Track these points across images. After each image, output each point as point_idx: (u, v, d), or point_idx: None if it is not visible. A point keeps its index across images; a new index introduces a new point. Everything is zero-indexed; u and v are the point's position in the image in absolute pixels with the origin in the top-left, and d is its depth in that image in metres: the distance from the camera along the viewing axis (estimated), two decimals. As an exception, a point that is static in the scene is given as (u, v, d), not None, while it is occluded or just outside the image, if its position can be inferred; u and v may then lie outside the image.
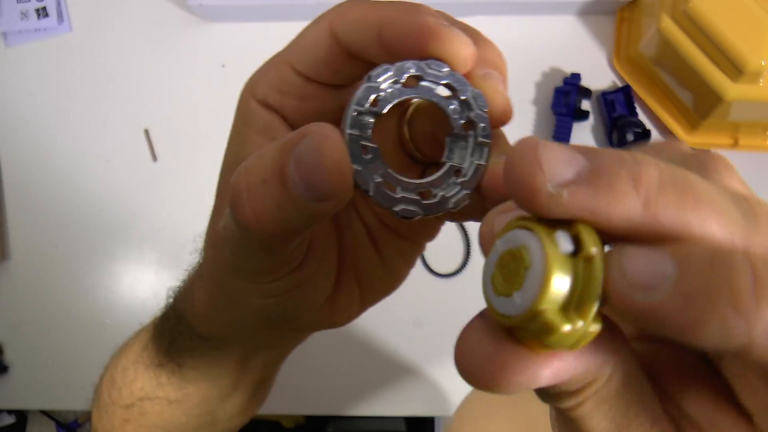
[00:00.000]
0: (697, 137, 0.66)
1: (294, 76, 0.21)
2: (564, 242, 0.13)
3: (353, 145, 0.18)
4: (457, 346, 0.14)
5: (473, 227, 0.69)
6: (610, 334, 0.13)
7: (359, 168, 0.18)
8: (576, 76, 0.66)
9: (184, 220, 0.69)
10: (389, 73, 0.19)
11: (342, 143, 0.16)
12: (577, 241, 0.13)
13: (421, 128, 0.22)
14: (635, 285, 0.12)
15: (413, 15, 0.18)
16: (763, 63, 0.55)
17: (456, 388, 0.67)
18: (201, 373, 0.32)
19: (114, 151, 0.72)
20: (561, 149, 0.13)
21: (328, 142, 0.16)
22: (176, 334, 0.31)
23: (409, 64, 0.19)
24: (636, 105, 0.67)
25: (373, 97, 0.19)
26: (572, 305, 0.12)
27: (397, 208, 0.19)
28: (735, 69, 0.56)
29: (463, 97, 0.19)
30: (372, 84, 0.19)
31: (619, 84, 0.69)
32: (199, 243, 0.24)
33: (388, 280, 0.26)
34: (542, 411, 0.15)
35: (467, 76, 0.19)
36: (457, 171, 0.20)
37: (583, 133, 0.68)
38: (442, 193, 0.20)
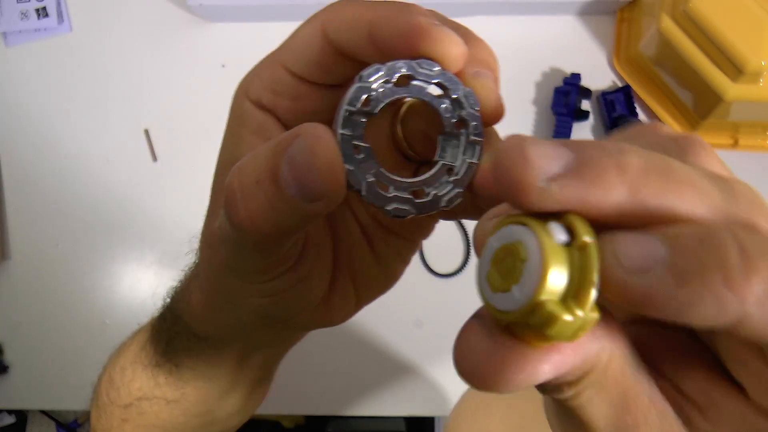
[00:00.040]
0: (697, 137, 0.66)
1: (287, 77, 0.21)
2: (558, 233, 0.13)
3: (345, 145, 0.19)
4: (456, 348, 0.14)
5: (473, 227, 0.69)
6: (604, 320, 0.14)
7: (351, 168, 0.19)
8: (576, 76, 0.66)
9: (184, 220, 0.69)
10: (381, 73, 0.19)
11: (334, 143, 0.16)
12: (570, 231, 0.13)
13: (414, 127, 0.22)
14: (629, 269, 0.12)
15: (404, 15, 0.18)
16: (763, 63, 0.55)
17: (456, 388, 0.67)
18: (198, 372, 0.32)
19: (114, 151, 0.72)
20: (547, 144, 0.13)
21: (320, 142, 0.16)
22: (173, 335, 0.31)
23: (400, 63, 0.19)
24: (636, 105, 0.67)
25: (364, 97, 0.19)
26: (571, 295, 0.12)
27: (389, 207, 0.19)
28: (735, 69, 0.56)
29: (454, 96, 0.19)
30: (363, 84, 0.19)
31: (619, 84, 0.69)
32: (195, 243, 0.24)
33: (384, 279, 0.26)
34: (536, 406, 0.15)
35: (459, 74, 0.19)
36: (449, 169, 0.20)
37: (583, 133, 0.68)
38: (434, 192, 0.20)
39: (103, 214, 0.72)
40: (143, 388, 0.34)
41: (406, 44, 0.18)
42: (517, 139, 0.13)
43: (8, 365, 0.72)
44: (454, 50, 0.18)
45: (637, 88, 0.67)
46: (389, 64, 0.19)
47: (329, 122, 0.19)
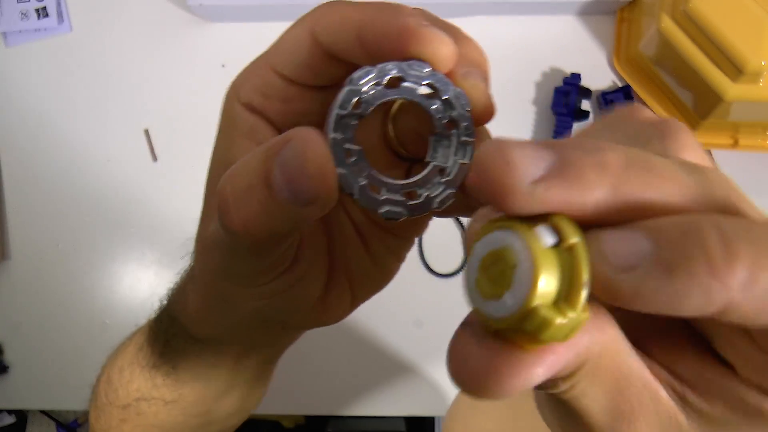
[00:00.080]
0: (697, 137, 0.66)
1: (277, 79, 0.21)
2: (546, 236, 0.13)
3: (337, 149, 0.19)
4: (450, 359, 0.14)
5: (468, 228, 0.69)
6: (592, 310, 0.14)
7: (343, 171, 0.19)
8: (576, 76, 0.66)
9: (184, 220, 0.69)
10: (371, 75, 0.19)
11: (325, 148, 0.16)
12: (556, 233, 0.13)
13: (406, 126, 0.22)
14: (617, 267, 0.12)
15: (393, 16, 0.18)
16: (763, 63, 0.55)
17: (455, 388, 0.67)
18: (196, 373, 0.32)
19: (114, 151, 0.72)
20: (528, 147, 0.13)
21: (311, 147, 0.16)
22: (170, 337, 0.31)
23: (390, 65, 0.19)
24: (636, 105, 0.67)
25: (355, 99, 0.19)
26: (562, 297, 0.12)
27: (382, 210, 0.19)
28: (735, 69, 0.56)
29: (445, 97, 0.19)
30: (354, 87, 0.19)
31: (619, 84, 0.69)
32: (190, 246, 0.24)
33: (379, 277, 0.26)
34: (529, 401, 0.15)
35: (449, 75, 0.19)
36: (441, 170, 0.20)
37: (583, 133, 0.68)
38: (426, 193, 0.20)
39: (103, 214, 0.72)
40: (141, 389, 0.34)
41: (395, 46, 0.18)
42: (497, 143, 0.13)
43: (8, 365, 0.72)
44: (443, 51, 0.18)
45: (637, 88, 0.67)
46: (379, 66, 0.19)
47: (321, 123, 0.19)
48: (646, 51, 0.65)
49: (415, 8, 0.21)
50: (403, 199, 0.19)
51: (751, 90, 0.57)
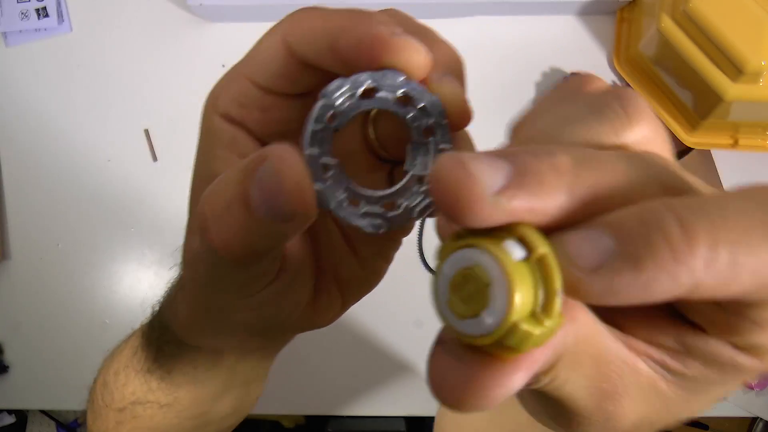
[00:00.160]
0: (697, 137, 0.66)
1: (253, 89, 0.21)
2: (514, 250, 0.13)
3: (313, 165, 0.18)
4: (430, 379, 0.14)
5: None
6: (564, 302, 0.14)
7: (321, 187, 0.18)
8: (576, 76, 0.66)
9: (184, 220, 0.69)
10: (345, 88, 0.19)
11: (302, 164, 0.16)
12: (523, 244, 0.13)
13: (386, 129, 0.22)
14: (585, 269, 0.12)
15: (364, 25, 0.18)
16: (763, 63, 0.55)
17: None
18: (190, 378, 0.32)
19: (114, 151, 0.73)
20: (485, 158, 0.13)
21: (287, 164, 0.16)
22: (163, 343, 0.31)
23: (363, 76, 0.19)
24: (636, 105, 0.67)
25: (330, 113, 0.19)
26: (538, 308, 0.13)
27: (362, 224, 0.19)
28: (735, 69, 0.56)
29: (420, 105, 0.19)
30: (328, 101, 0.19)
31: (619, 84, 0.69)
32: (179, 255, 0.24)
33: (368, 279, 0.26)
34: (511, 398, 0.15)
35: (423, 82, 0.19)
36: (419, 179, 0.20)
37: (583, 133, 0.68)
38: (406, 203, 0.20)
39: (103, 214, 0.72)
40: (136, 392, 0.34)
41: (368, 55, 0.18)
42: (453, 158, 0.13)
43: (8, 365, 0.72)
44: (416, 59, 0.18)
45: (637, 88, 0.67)
46: (353, 78, 0.19)
47: (300, 131, 0.19)
48: (646, 51, 0.65)
49: (387, 12, 0.21)
50: (383, 210, 0.19)
51: (751, 90, 0.57)
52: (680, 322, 0.15)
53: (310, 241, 0.24)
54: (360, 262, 0.25)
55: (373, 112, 0.22)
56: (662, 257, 0.12)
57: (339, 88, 0.19)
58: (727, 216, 0.12)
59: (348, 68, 0.19)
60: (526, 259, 0.13)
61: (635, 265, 0.12)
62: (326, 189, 0.19)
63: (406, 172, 0.20)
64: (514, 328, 0.12)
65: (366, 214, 0.19)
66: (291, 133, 0.21)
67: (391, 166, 0.24)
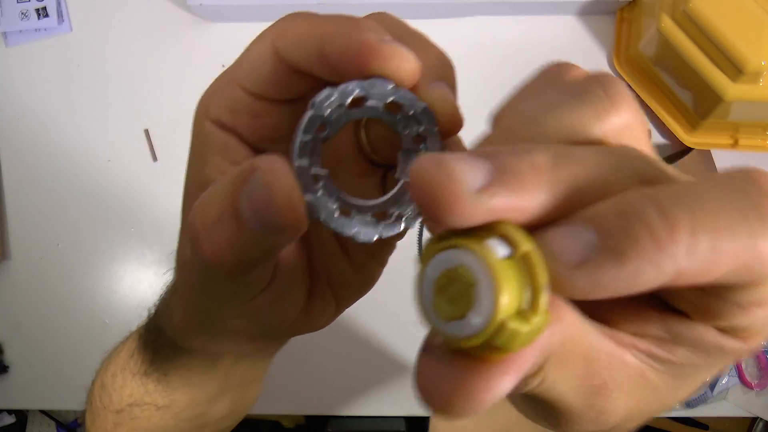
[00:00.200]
0: (697, 137, 0.66)
1: (243, 95, 0.21)
2: (498, 248, 0.13)
3: (303, 176, 0.18)
4: (418, 387, 0.14)
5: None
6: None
7: (311, 198, 0.18)
8: (576, 76, 0.66)
9: (184, 220, 0.69)
10: (333, 98, 0.18)
11: (291, 177, 0.16)
12: (507, 242, 0.13)
13: (378, 134, 0.22)
14: (569, 265, 0.12)
15: (353, 32, 0.18)
16: (763, 63, 0.55)
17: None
18: (187, 380, 0.32)
19: (114, 151, 0.73)
20: (464, 158, 0.13)
21: (276, 176, 0.16)
22: (158, 347, 0.31)
23: (352, 85, 0.18)
24: (636, 105, 0.67)
25: (318, 124, 0.19)
26: (525, 305, 0.13)
27: (354, 234, 0.19)
28: (735, 69, 0.56)
29: (410, 113, 0.19)
30: (316, 112, 0.19)
31: (619, 84, 0.69)
32: (173, 261, 0.24)
33: (362, 283, 0.25)
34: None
35: (413, 89, 0.19)
36: None
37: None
38: (397, 212, 0.20)
39: (103, 214, 0.72)
40: (134, 394, 0.34)
41: (356, 63, 0.18)
42: (433, 158, 0.13)
43: (8, 365, 0.72)
44: (404, 67, 0.18)
45: (637, 88, 0.67)
46: (341, 87, 0.18)
47: (291, 135, 0.19)
48: (646, 51, 0.65)
49: (376, 16, 0.21)
50: (374, 220, 0.19)
51: (751, 90, 0.57)
52: (665, 310, 0.15)
53: (303, 246, 0.24)
54: (354, 266, 0.25)
55: (364, 118, 0.22)
56: (644, 247, 0.12)
57: (327, 98, 0.18)
58: (705, 202, 0.12)
59: (337, 75, 0.19)
60: (511, 257, 0.13)
61: (618, 257, 0.12)
62: (317, 200, 0.19)
63: (397, 180, 0.20)
64: (501, 327, 0.12)
65: (357, 224, 0.19)
66: (282, 139, 0.21)
67: (383, 171, 0.23)
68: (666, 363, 0.16)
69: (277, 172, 0.16)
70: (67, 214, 0.72)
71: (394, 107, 0.19)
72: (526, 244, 0.13)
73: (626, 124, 0.16)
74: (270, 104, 0.21)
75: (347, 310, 0.26)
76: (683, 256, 0.12)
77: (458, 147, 0.21)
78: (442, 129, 0.19)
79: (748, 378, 0.68)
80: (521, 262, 0.13)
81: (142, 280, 0.72)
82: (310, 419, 1.00)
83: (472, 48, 0.69)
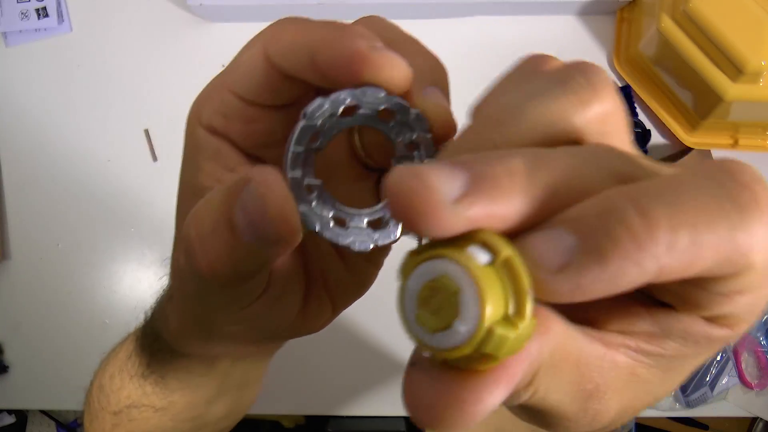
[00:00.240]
0: (697, 137, 0.66)
1: (236, 101, 0.21)
2: (479, 255, 0.13)
3: (297, 187, 0.18)
4: (408, 403, 0.13)
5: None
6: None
7: (305, 209, 0.18)
8: (576, 76, 0.66)
9: (184, 220, 0.69)
10: (325, 108, 0.18)
11: (285, 188, 0.16)
12: (488, 249, 0.13)
13: (372, 139, 0.22)
14: (551, 270, 0.12)
15: (344, 40, 0.18)
16: (763, 63, 0.55)
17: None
18: (184, 383, 0.32)
19: (114, 151, 0.73)
20: (441, 168, 0.13)
21: (270, 188, 0.16)
22: (155, 350, 0.31)
23: (343, 95, 0.18)
24: (636, 105, 0.67)
25: (311, 134, 0.19)
26: (511, 311, 0.12)
27: (349, 243, 0.19)
28: (735, 69, 0.56)
29: (403, 120, 0.19)
30: (309, 122, 0.18)
31: (619, 84, 0.69)
32: (167, 266, 0.24)
33: (358, 285, 0.25)
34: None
35: (405, 96, 0.19)
36: None
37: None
38: (392, 220, 0.19)
39: (103, 214, 0.72)
40: (131, 396, 0.34)
41: (347, 72, 0.18)
42: (408, 169, 0.13)
43: (8, 365, 0.72)
44: (396, 75, 0.18)
45: (637, 88, 0.67)
46: (333, 97, 0.18)
47: (285, 141, 0.19)
48: (646, 51, 0.65)
49: (368, 21, 0.21)
50: (369, 228, 0.19)
51: (751, 90, 0.57)
52: (651, 305, 0.15)
53: (298, 250, 0.24)
54: (349, 269, 0.25)
55: None
56: (625, 247, 0.12)
57: (319, 108, 0.18)
58: (683, 197, 0.12)
59: (329, 82, 0.19)
60: (492, 264, 0.13)
61: (599, 258, 0.12)
62: (311, 211, 0.18)
63: None
64: (489, 334, 0.12)
65: (352, 233, 0.19)
66: (275, 144, 0.21)
67: (378, 175, 0.23)
68: (656, 357, 0.16)
69: (271, 184, 0.16)
70: (67, 214, 0.72)
71: (386, 115, 0.19)
72: (507, 250, 0.13)
73: (609, 112, 0.15)
74: (262, 110, 0.21)
75: (347, 310, 0.26)
76: (664, 254, 0.12)
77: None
78: (436, 135, 0.19)
79: (748, 378, 0.68)
80: (503, 268, 0.12)
81: (142, 280, 0.72)
82: (310, 419, 1.00)
83: (472, 48, 0.69)
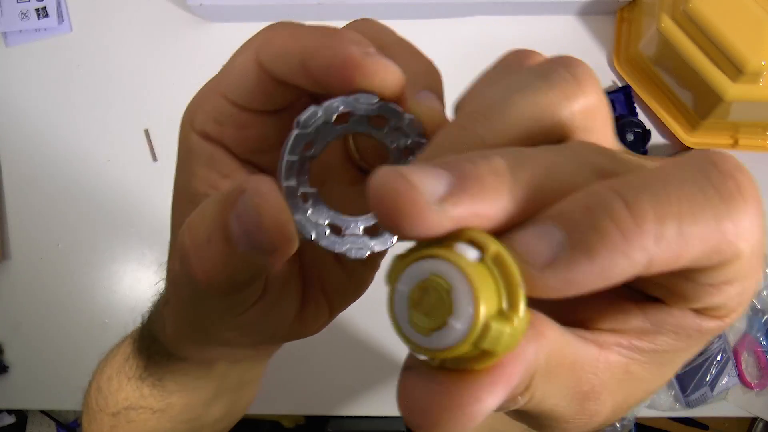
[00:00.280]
0: (697, 137, 0.66)
1: (228, 106, 0.20)
2: (467, 251, 0.13)
3: (291, 197, 0.18)
4: (404, 406, 0.13)
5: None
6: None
7: (301, 218, 0.18)
8: (576, 76, 0.66)
9: (184, 220, 0.69)
10: (318, 116, 0.18)
11: (280, 198, 0.16)
12: (475, 246, 0.13)
13: (366, 142, 0.22)
14: (540, 265, 0.12)
15: (336, 45, 0.18)
16: (763, 63, 0.55)
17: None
18: (182, 385, 0.32)
19: (114, 151, 0.72)
20: (424, 168, 0.13)
21: (265, 198, 0.16)
22: (152, 353, 0.31)
23: (336, 102, 0.18)
24: (636, 105, 0.67)
25: (304, 142, 0.18)
26: (504, 305, 0.12)
27: (346, 251, 0.19)
28: (735, 69, 0.56)
29: (397, 126, 0.19)
30: (302, 131, 0.18)
31: (619, 84, 0.69)
32: (164, 271, 0.24)
33: (355, 287, 0.25)
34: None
35: (399, 101, 0.19)
36: None
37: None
38: None
39: (103, 214, 0.72)
40: (129, 398, 0.34)
41: (340, 78, 0.18)
42: (392, 170, 0.13)
43: (8, 365, 0.72)
44: (389, 80, 0.18)
45: (637, 88, 0.67)
46: (325, 104, 0.18)
47: (278, 147, 0.19)
48: (646, 51, 0.65)
49: (360, 25, 0.21)
50: (365, 235, 0.19)
51: (751, 90, 0.57)
52: (642, 300, 0.15)
53: (294, 254, 0.24)
54: (346, 272, 0.25)
55: None
56: (612, 239, 0.12)
57: (313, 116, 0.18)
58: (668, 188, 0.12)
59: (321, 88, 0.18)
60: (481, 260, 0.13)
61: (588, 252, 0.12)
62: (306, 219, 0.18)
63: None
64: (485, 329, 0.12)
65: (348, 240, 0.19)
66: (269, 149, 0.21)
67: None
68: (649, 353, 0.16)
69: (266, 194, 0.16)
70: (67, 214, 0.72)
71: (380, 121, 0.19)
72: (495, 245, 0.12)
73: (593, 105, 0.15)
74: (255, 115, 0.21)
75: (347, 310, 0.26)
76: (652, 245, 0.12)
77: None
78: (430, 140, 0.19)
79: (748, 378, 0.68)
80: (493, 263, 0.12)
81: (142, 280, 0.72)
82: (310, 419, 1.00)
83: (472, 48, 0.69)
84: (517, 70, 0.17)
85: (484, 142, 0.15)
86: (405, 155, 0.19)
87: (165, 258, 0.25)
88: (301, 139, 0.18)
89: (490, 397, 0.12)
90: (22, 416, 1.07)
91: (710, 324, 0.15)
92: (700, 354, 0.67)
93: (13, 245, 0.72)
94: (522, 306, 0.12)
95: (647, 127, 0.66)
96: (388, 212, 0.12)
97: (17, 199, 0.73)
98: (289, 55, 0.19)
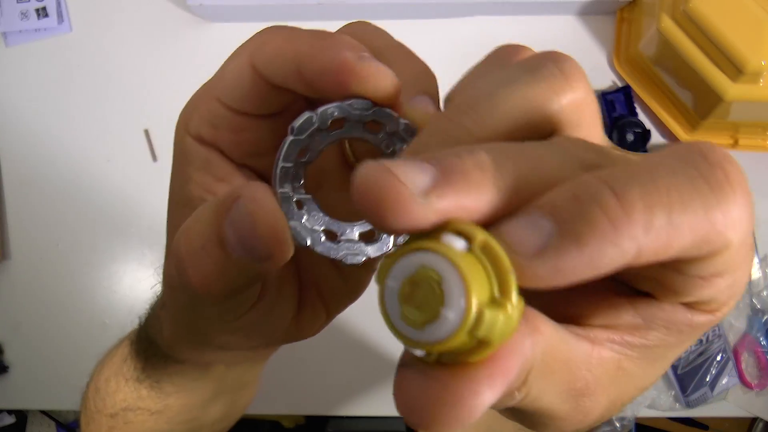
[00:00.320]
0: (697, 137, 0.66)
1: (223, 110, 0.20)
2: (455, 242, 0.12)
3: (287, 203, 0.18)
4: (400, 403, 0.13)
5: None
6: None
7: (296, 225, 0.18)
8: (576, 76, 0.66)
9: (184, 220, 0.69)
10: (313, 121, 0.18)
11: (275, 205, 0.16)
12: (463, 237, 0.13)
13: (362, 145, 0.22)
14: (529, 255, 0.12)
15: (330, 51, 0.18)
16: (763, 63, 0.55)
17: None
18: (179, 387, 0.32)
19: (114, 151, 0.72)
20: (408, 162, 0.13)
21: (260, 205, 0.16)
22: (150, 355, 0.31)
23: (331, 108, 0.18)
24: (636, 105, 0.67)
25: (299, 149, 0.18)
26: (496, 293, 0.12)
27: (342, 257, 0.19)
28: (735, 69, 0.56)
29: (392, 130, 0.19)
30: (296, 137, 0.18)
31: (619, 84, 0.69)
32: (160, 275, 0.24)
33: (351, 290, 0.25)
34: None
35: (394, 105, 0.19)
36: None
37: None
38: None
39: (103, 214, 0.72)
40: (127, 399, 0.34)
41: (334, 82, 0.18)
42: (375, 165, 0.13)
43: (8, 365, 0.72)
44: (383, 85, 0.18)
45: (637, 88, 0.67)
46: (320, 110, 0.18)
47: (273, 151, 0.19)
48: (646, 51, 0.65)
49: (355, 28, 0.21)
50: (361, 241, 0.19)
51: (751, 90, 0.57)
52: (632, 296, 0.15)
53: (291, 258, 0.24)
54: (342, 275, 0.25)
55: None
56: (602, 228, 0.12)
57: (307, 122, 0.18)
58: (657, 178, 0.12)
59: (316, 92, 0.18)
60: (470, 250, 0.12)
61: (577, 240, 0.12)
62: (302, 226, 0.18)
63: None
64: (479, 316, 0.12)
65: (344, 246, 0.19)
66: (265, 153, 0.21)
67: None
68: (641, 348, 0.16)
69: (261, 200, 0.16)
70: (67, 214, 0.72)
71: (375, 126, 0.19)
72: (482, 234, 0.12)
73: (581, 100, 0.15)
74: (250, 119, 0.21)
75: (346, 310, 0.26)
76: (642, 234, 0.12)
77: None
78: None
79: (748, 378, 0.68)
80: (481, 252, 0.12)
81: (142, 280, 0.72)
82: (310, 419, 1.00)
83: (472, 48, 0.69)
84: (506, 65, 0.17)
85: (472, 135, 0.15)
86: None
87: (157, 266, 0.25)
88: (296, 145, 0.18)
89: (488, 391, 0.12)
90: (22, 416, 1.07)
91: (701, 318, 0.15)
92: (700, 354, 0.67)
93: (13, 245, 0.72)
94: (514, 293, 0.12)
95: (647, 127, 0.66)
96: (373, 205, 0.12)
97: (17, 199, 0.73)
98: (284, 60, 0.19)
